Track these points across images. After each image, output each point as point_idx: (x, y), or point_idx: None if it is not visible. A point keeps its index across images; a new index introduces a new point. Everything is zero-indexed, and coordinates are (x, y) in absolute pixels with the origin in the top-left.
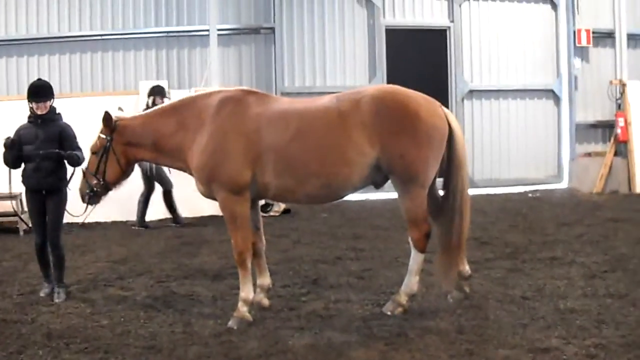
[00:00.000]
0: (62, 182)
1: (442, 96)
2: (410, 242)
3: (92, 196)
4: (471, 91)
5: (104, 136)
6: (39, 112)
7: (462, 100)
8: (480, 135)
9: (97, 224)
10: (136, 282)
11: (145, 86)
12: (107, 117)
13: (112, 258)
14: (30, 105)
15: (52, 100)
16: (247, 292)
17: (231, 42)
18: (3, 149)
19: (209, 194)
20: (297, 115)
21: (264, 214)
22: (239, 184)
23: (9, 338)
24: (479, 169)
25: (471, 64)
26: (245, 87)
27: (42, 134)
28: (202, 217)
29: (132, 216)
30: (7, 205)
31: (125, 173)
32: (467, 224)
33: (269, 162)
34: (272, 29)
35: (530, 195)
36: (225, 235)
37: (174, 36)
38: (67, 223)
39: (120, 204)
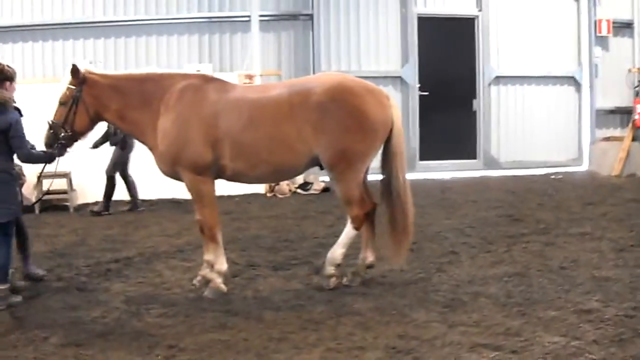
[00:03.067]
0: None
1: (470, 82)
2: (348, 220)
3: (59, 148)
4: (498, 77)
5: (73, 87)
6: None
7: (489, 85)
8: (506, 120)
9: (143, 201)
10: (196, 254)
11: (191, 69)
12: (74, 70)
13: (166, 232)
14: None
15: None
16: (220, 264)
17: (271, 27)
18: None
19: (172, 175)
20: (249, 105)
21: (304, 192)
22: (201, 165)
23: (89, 304)
24: (504, 151)
25: (498, 51)
26: (206, 74)
27: None
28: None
29: (179, 194)
30: (58, 183)
31: (93, 125)
32: (409, 207)
33: (225, 147)
34: (311, 16)
35: (552, 177)
36: (271, 210)
37: (217, 21)
38: (115, 200)
39: (166, 181)
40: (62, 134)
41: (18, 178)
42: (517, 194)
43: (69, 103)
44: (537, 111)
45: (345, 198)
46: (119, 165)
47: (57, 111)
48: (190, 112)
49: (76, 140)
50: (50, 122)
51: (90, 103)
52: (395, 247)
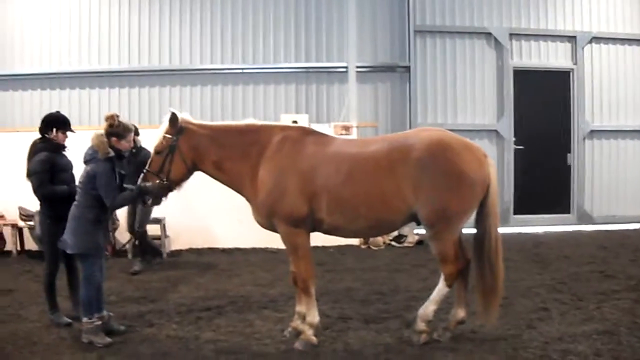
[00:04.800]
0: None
1: (565, 135)
2: (442, 276)
3: (154, 197)
4: (592, 131)
5: (169, 136)
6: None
7: (584, 139)
8: (600, 174)
9: (237, 249)
10: (288, 305)
11: (287, 119)
12: (173, 118)
13: (259, 282)
14: (64, 135)
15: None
16: (312, 316)
17: (368, 79)
18: None
19: (268, 226)
20: (348, 159)
21: (398, 245)
22: (298, 217)
23: (180, 352)
24: (597, 206)
25: (592, 104)
26: (304, 126)
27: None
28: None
29: (271, 243)
30: (152, 229)
31: (189, 174)
32: (499, 267)
33: (322, 200)
34: (407, 68)
35: None
36: (365, 263)
37: (313, 72)
38: (209, 248)
39: (261, 230)
40: (157, 183)
41: (100, 220)
42: (609, 249)
43: (165, 152)
44: (631, 164)
45: (440, 256)
46: (145, 220)
47: (152, 160)
48: (288, 164)
49: (171, 190)
50: (146, 171)
51: (187, 153)
52: (484, 306)
